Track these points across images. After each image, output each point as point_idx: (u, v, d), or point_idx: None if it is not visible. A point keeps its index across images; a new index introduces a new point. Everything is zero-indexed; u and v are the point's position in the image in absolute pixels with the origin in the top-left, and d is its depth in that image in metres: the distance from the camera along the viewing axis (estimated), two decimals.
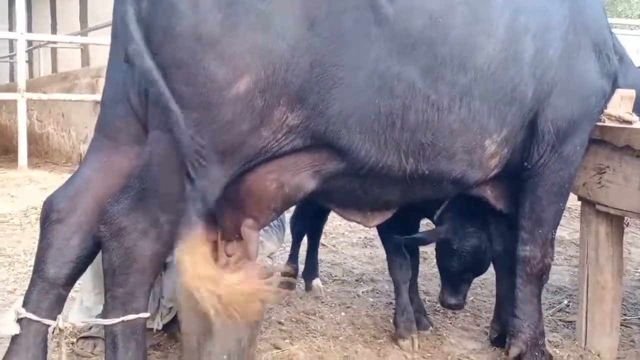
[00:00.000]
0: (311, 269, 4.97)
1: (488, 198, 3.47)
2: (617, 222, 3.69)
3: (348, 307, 4.49)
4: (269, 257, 3.76)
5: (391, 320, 4.12)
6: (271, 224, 3.73)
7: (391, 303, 4.30)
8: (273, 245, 3.78)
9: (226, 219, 3.06)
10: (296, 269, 4.39)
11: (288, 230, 4.57)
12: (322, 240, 6.48)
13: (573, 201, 3.90)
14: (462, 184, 3.21)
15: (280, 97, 2.57)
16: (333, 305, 4.52)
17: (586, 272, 3.80)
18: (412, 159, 2.94)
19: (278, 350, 3.63)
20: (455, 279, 3.75)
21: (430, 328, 4.01)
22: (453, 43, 2.89)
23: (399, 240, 4.03)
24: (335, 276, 5.15)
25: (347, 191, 3.12)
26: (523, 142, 3.26)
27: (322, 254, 6.02)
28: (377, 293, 4.86)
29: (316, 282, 4.90)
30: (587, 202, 3.76)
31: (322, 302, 4.57)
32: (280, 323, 4.08)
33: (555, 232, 3.45)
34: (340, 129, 2.73)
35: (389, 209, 3.40)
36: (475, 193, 3.40)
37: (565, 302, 4.67)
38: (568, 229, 6.94)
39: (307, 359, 3.54)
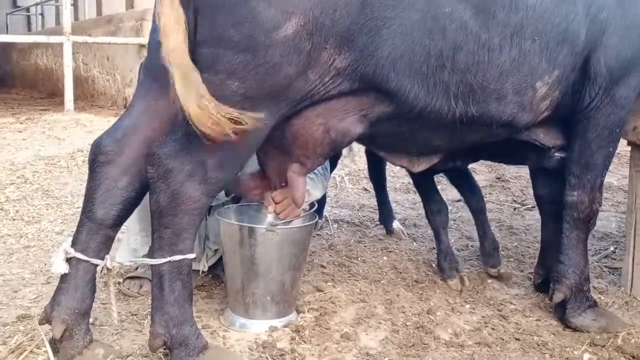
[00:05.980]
0: (387, 213, 5.02)
1: (536, 141, 3.40)
2: None
3: (390, 252, 4.50)
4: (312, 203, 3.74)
5: (433, 265, 4.12)
6: (316, 170, 3.71)
7: (433, 248, 4.29)
8: (318, 192, 3.74)
9: (272, 165, 3.06)
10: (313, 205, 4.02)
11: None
12: (365, 185, 6.50)
13: (622, 147, 3.82)
14: (512, 127, 3.14)
15: (328, 38, 2.53)
16: (375, 249, 4.54)
17: (634, 218, 3.76)
18: (461, 102, 2.89)
19: (320, 293, 3.67)
20: None
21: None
22: None
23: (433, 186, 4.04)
24: (378, 221, 5.15)
25: (394, 135, 3.09)
26: (575, 84, 3.16)
27: (365, 199, 6.04)
28: (420, 238, 4.86)
29: (396, 224, 4.96)
30: (637, 147, 3.70)
31: (365, 247, 4.59)
32: (322, 266, 4.11)
33: (604, 177, 3.37)
34: (389, 72, 2.68)
35: (436, 153, 3.37)
36: (524, 136, 3.34)
37: (612, 248, 4.63)
38: (616, 175, 6.84)
39: (349, 302, 3.57)
